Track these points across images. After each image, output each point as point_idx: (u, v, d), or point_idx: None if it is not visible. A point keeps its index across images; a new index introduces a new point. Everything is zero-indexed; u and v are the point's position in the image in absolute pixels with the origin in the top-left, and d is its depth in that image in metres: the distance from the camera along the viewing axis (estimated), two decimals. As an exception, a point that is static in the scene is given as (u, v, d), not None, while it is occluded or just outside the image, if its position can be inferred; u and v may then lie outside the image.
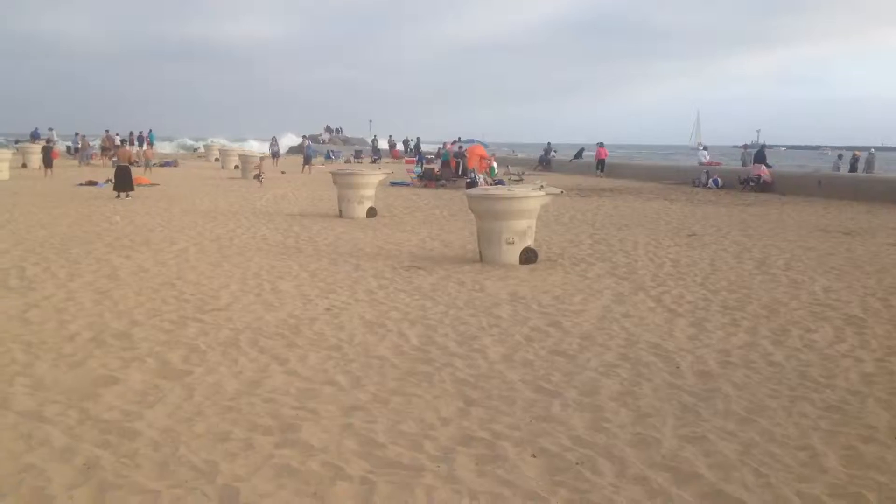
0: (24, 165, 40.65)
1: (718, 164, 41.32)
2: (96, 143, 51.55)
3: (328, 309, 9.85)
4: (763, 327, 9.21)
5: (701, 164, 39.20)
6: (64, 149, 54.24)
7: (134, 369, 7.25)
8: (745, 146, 44.63)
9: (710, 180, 33.35)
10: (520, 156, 61.80)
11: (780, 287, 11.64)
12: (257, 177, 31.77)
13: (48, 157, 35.71)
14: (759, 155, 33.84)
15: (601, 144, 44.81)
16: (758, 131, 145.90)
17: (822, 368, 7.64)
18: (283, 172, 39.87)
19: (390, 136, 75.81)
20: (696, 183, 34.22)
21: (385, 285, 11.42)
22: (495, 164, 38.02)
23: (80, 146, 48.74)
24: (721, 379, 7.24)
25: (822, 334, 8.95)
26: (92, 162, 44.69)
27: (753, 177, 31.64)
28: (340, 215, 20.43)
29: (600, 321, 9.44)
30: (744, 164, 36.80)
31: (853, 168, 34.88)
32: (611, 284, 11.73)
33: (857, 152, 37.22)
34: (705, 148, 43.67)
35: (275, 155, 50.61)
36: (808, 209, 24.05)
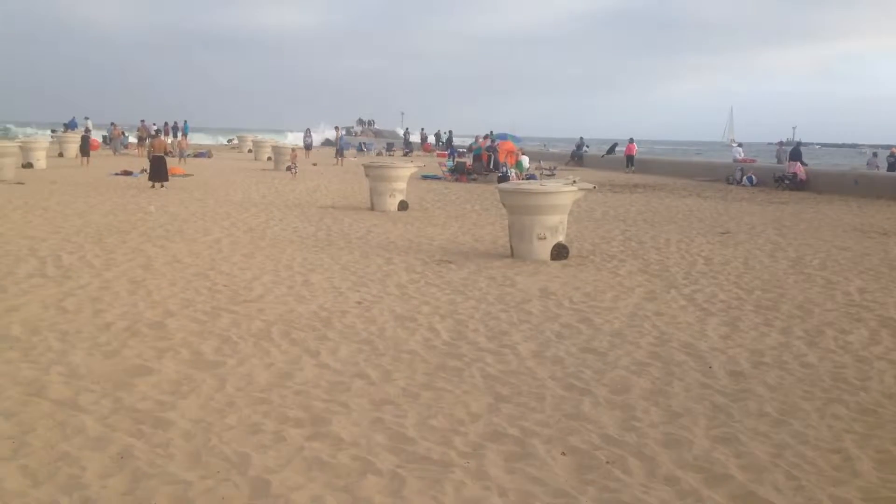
0: (60, 154, 41.17)
1: (753, 161, 40.92)
2: (129, 135, 52.12)
3: (359, 302, 9.89)
4: (797, 328, 9.11)
5: (735, 160, 38.86)
6: (100, 139, 54.82)
7: (168, 359, 7.33)
8: (781, 143, 44.12)
9: (745, 178, 33.05)
10: (552, 150, 61.63)
11: (814, 287, 11.51)
12: (289, 168, 31.97)
13: (86, 147, 36.16)
14: (795, 152, 33.46)
15: (631, 140, 44.68)
16: (794, 128, 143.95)
17: (856, 371, 7.55)
18: (314, 164, 40.05)
19: (422, 129, 75.77)
20: (730, 180, 33.93)
21: (416, 279, 11.44)
22: (525, 159, 37.91)
23: (111, 136, 49.22)
24: (754, 380, 7.18)
25: (857, 336, 8.84)
26: (126, 152, 45.13)
27: (789, 175, 31.29)
28: (372, 208, 20.49)
29: (631, 319, 9.40)
30: (779, 162, 36.44)
31: (892, 167, 34.36)
32: (642, 282, 11.67)
33: (894, 149, 36.66)
34: (740, 145, 43.32)
35: (308, 147, 50.84)
36: (843, 208, 23.74)
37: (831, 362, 7.80)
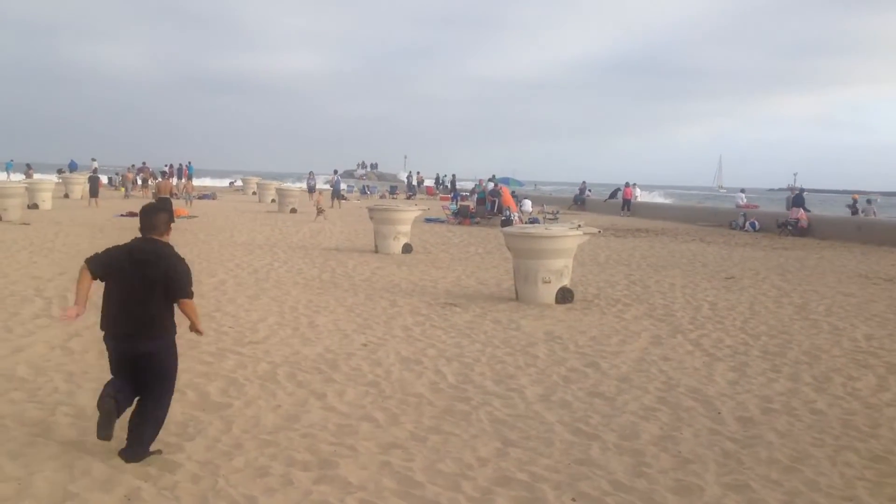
0: (66, 196, 41.35)
1: (755, 206, 41.05)
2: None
3: (365, 344, 9.87)
4: (805, 374, 9.08)
5: (738, 206, 38.98)
6: (106, 181, 55.00)
7: (174, 401, 7.24)
8: (792, 188, 44.28)
9: (748, 223, 33.12)
10: (544, 190, 61.73)
11: (821, 333, 11.48)
12: (320, 211, 31.90)
13: (94, 187, 36.30)
14: (798, 199, 33.58)
15: (628, 185, 45.36)
16: (795, 175, 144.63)
17: (866, 417, 7.51)
18: (320, 210, 40.13)
19: (417, 173, 75.47)
20: (732, 225, 34.01)
21: (421, 322, 11.42)
22: (527, 202, 38.00)
23: (124, 179, 49.15)
24: (763, 426, 7.14)
25: (866, 382, 8.81)
26: (133, 194, 45.15)
27: (791, 220, 31.37)
28: (376, 251, 20.52)
29: (638, 363, 9.37)
30: (789, 207, 36.43)
31: (854, 213, 34.93)
32: (648, 326, 11.64)
33: (855, 195, 37.42)
34: (742, 191, 43.41)
35: (311, 189, 51.04)
36: (846, 254, 23.75)
37: (840, 409, 7.76)
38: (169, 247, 5.93)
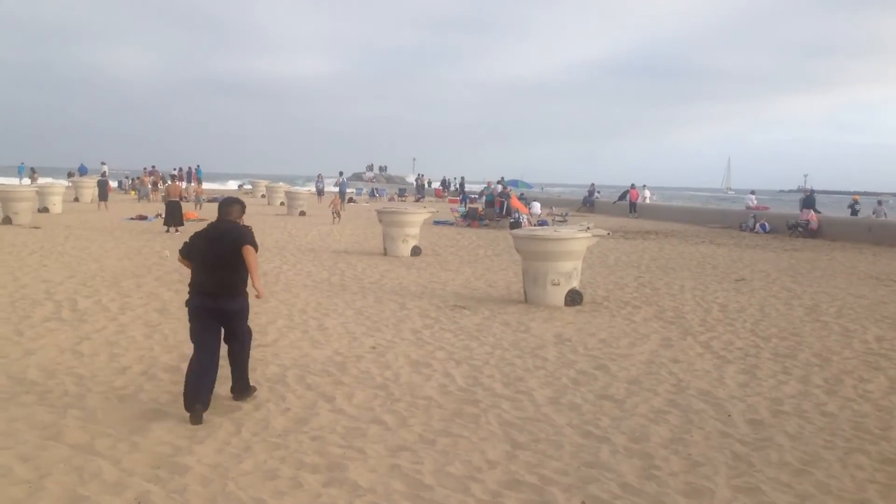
0: (76, 199, 41.51)
1: (766, 208, 40.93)
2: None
3: (374, 347, 9.87)
4: (816, 376, 9.04)
5: (748, 207, 38.88)
6: (115, 184, 55.12)
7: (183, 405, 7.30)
8: (804, 190, 43.99)
9: (758, 225, 33.03)
10: (551, 192, 61.60)
11: (831, 335, 11.44)
12: (336, 213, 32.10)
13: (104, 191, 36.43)
14: (808, 200, 33.49)
15: (633, 186, 45.46)
16: (805, 176, 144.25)
17: (877, 420, 7.47)
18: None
19: (421, 175, 75.13)
20: (742, 227, 33.93)
21: (430, 324, 11.42)
22: (536, 205, 38.01)
23: (140, 182, 48.97)
24: (774, 428, 7.11)
25: (877, 385, 8.76)
26: (151, 198, 44.84)
27: (802, 222, 31.27)
28: (385, 253, 20.54)
29: (648, 366, 9.34)
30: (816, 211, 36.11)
31: (854, 214, 34.80)
32: (658, 329, 11.61)
33: (856, 196, 37.28)
34: (753, 192, 43.28)
35: (320, 192, 51.13)
36: (857, 256, 23.66)
37: (851, 411, 7.72)
38: (239, 224, 7.31)
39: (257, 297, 7.23)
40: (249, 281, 7.19)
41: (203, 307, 7.08)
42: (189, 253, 7.21)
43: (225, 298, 7.09)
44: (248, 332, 7.54)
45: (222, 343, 7.29)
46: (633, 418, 7.31)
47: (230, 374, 7.45)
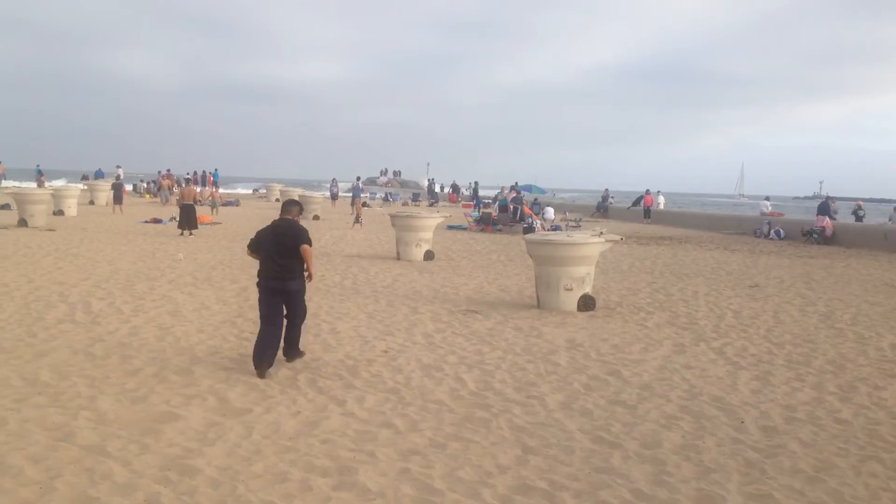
0: (91, 202, 41.74)
1: (781, 214, 40.74)
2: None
3: (385, 351, 9.87)
4: (829, 383, 8.97)
5: (763, 214, 38.70)
6: (130, 188, 55.36)
7: (195, 406, 7.32)
8: (827, 196, 43.38)
9: (773, 231, 32.87)
10: (564, 198, 61.42)
11: (846, 342, 11.35)
12: (357, 220, 32.20)
13: (119, 194, 36.61)
14: (823, 207, 33.27)
15: (648, 192, 45.38)
16: (821, 182, 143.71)
17: (892, 427, 7.40)
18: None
19: (431, 179, 74.50)
20: (757, 234, 33.76)
21: (442, 329, 11.41)
22: (550, 210, 37.98)
23: (159, 185, 48.97)
24: (787, 435, 7.05)
25: (892, 392, 8.69)
26: (170, 202, 44.82)
27: (817, 228, 31.09)
28: (398, 258, 20.54)
29: (660, 372, 9.30)
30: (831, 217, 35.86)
31: (859, 220, 34.70)
32: (671, 334, 11.56)
33: (859, 202, 37.14)
34: (767, 198, 43.11)
35: (334, 197, 51.22)
36: (872, 263, 23.49)
37: (866, 418, 7.66)
38: (297, 223, 9.00)
39: (309, 280, 8.94)
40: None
41: (270, 288, 8.71)
42: (257, 246, 8.84)
43: (288, 281, 8.71)
44: (304, 309, 9.09)
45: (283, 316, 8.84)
46: (644, 424, 7.28)
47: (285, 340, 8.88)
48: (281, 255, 8.66)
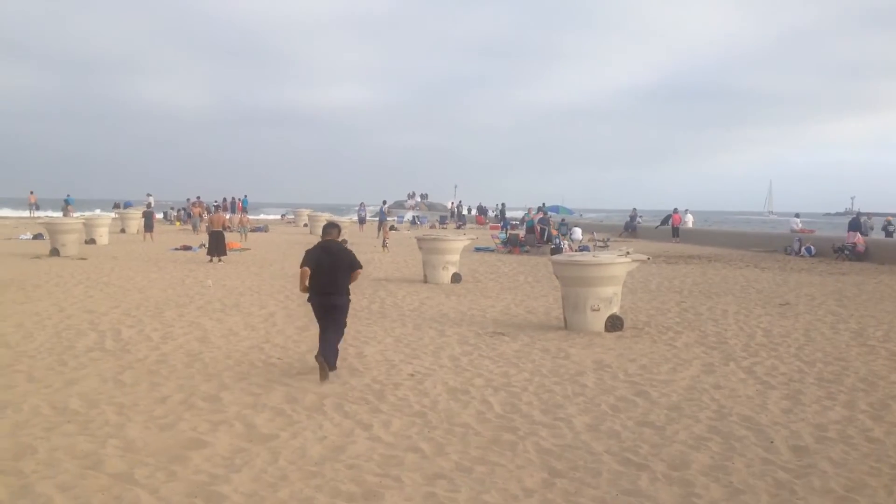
0: (122, 230, 42.24)
1: (811, 231, 40.34)
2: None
3: (412, 374, 9.87)
4: (861, 401, 8.84)
5: (793, 231, 38.34)
6: (161, 216, 56.00)
7: (222, 432, 7.36)
8: (867, 215, 42.63)
9: (803, 248, 32.54)
10: (591, 218, 61.22)
11: (878, 360, 11.20)
12: (384, 244, 32.69)
13: (149, 222, 37.02)
14: (855, 223, 32.91)
15: (676, 211, 45.05)
16: (852, 198, 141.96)
17: (926, 446, 7.27)
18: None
19: (451, 202, 75.57)
20: (788, 251, 33.44)
21: (469, 351, 11.40)
22: (577, 230, 37.93)
23: (190, 213, 49.55)
24: (818, 455, 6.96)
25: (926, 410, 8.54)
26: (201, 229, 45.27)
27: (848, 245, 30.74)
28: (425, 280, 20.57)
29: (689, 392, 9.22)
30: (863, 233, 35.47)
31: (889, 235, 34.21)
32: (700, 354, 11.46)
33: (889, 217, 36.64)
34: (797, 215, 42.70)
35: (362, 221, 51.47)
36: (907, 278, 23.16)
37: (899, 437, 7.53)
38: (341, 244, 10.18)
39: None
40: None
41: (321, 304, 9.73)
42: (310, 264, 9.68)
43: (335, 295, 9.70)
44: (344, 324, 10.11)
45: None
46: (673, 445, 7.21)
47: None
48: (332, 272, 9.65)
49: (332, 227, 10.24)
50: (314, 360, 9.72)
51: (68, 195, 60.05)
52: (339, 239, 10.16)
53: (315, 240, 11.42)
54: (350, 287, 9.94)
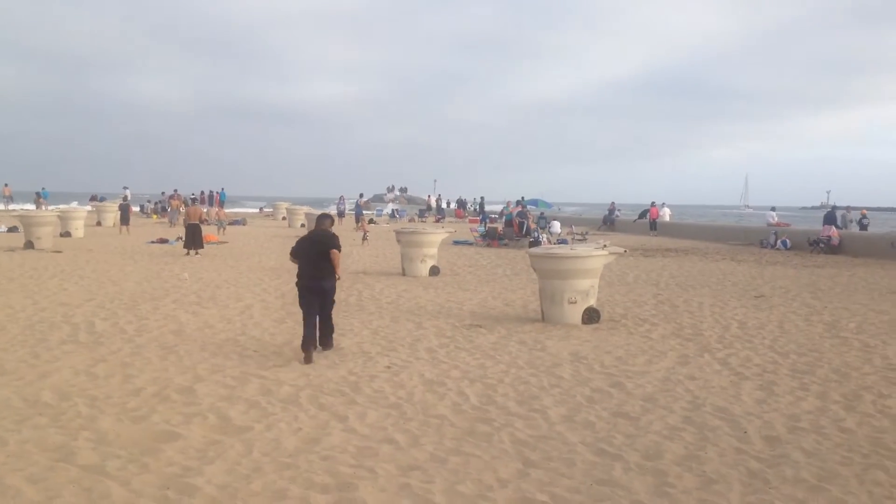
0: (98, 223, 41.91)
1: (787, 224, 40.63)
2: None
3: (388, 367, 9.85)
4: (834, 392, 8.92)
5: (769, 224, 38.61)
6: (137, 209, 55.58)
7: (195, 425, 7.32)
8: (846, 208, 43.05)
9: (779, 241, 32.77)
10: (568, 212, 61.48)
11: (851, 351, 11.29)
12: (364, 237, 32.36)
13: (125, 215, 36.73)
14: (830, 216, 33.19)
15: (653, 204, 45.37)
16: (828, 192, 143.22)
17: (896, 436, 7.35)
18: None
19: (429, 196, 76.15)
20: (764, 244, 33.66)
21: (446, 344, 11.39)
22: (556, 224, 38.02)
23: (169, 206, 49.09)
24: (790, 445, 7.01)
25: (897, 400, 8.62)
26: (178, 223, 44.94)
27: (823, 238, 30.99)
28: (403, 273, 20.55)
29: (664, 383, 9.26)
30: (841, 226, 35.77)
31: (864, 228, 35.00)
32: (675, 346, 11.52)
33: (863, 210, 37.18)
34: (773, 208, 43.01)
35: (341, 214, 51.32)
36: (879, 272, 23.37)
37: (870, 427, 7.60)
38: (330, 232, 10.68)
39: (338, 278, 10.53)
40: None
41: (308, 287, 10.31)
42: (298, 251, 10.50)
43: (322, 280, 10.33)
44: (333, 302, 10.76)
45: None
46: (647, 436, 7.24)
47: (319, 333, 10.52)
48: (318, 258, 10.27)
49: (324, 217, 11.05)
50: (300, 349, 10.11)
51: (42, 188, 59.49)
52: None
53: (294, 233, 11.48)
54: (339, 270, 10.48)
